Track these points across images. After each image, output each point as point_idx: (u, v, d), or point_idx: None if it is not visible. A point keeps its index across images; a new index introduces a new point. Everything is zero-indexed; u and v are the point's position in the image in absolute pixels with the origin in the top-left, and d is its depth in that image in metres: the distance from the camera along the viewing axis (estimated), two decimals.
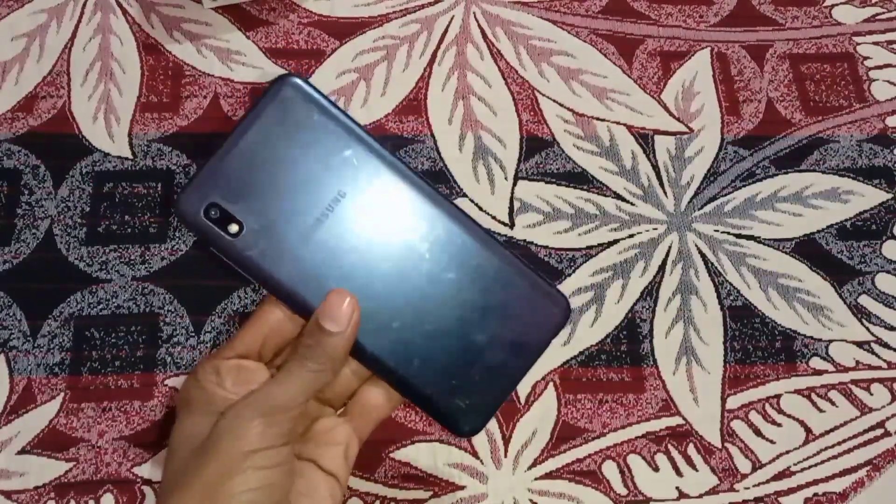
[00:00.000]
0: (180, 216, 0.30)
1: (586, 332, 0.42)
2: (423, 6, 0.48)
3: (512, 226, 0.43)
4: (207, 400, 0.30)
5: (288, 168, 0.30)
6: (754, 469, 0.40)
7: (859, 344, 0.42)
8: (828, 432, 0.40)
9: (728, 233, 0.44)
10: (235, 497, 0.27)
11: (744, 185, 0.45)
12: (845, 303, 0.43)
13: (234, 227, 0.30)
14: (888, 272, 0.44)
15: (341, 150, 0.31)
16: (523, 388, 0.40)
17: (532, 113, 0.46)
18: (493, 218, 0.44)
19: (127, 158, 0.44)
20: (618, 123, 0.46)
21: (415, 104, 0.46)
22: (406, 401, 0.33)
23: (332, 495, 0.30)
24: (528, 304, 0.32)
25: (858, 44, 0.49)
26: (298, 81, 0.31)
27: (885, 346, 0.42)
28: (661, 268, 0.43)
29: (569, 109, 0.46)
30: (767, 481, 0.39)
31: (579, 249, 0.43)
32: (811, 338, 0.42)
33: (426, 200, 0.31)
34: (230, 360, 0.31)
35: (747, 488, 0.39)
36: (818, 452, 0.40)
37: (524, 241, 0.43)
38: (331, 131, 0.31)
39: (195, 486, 0.27)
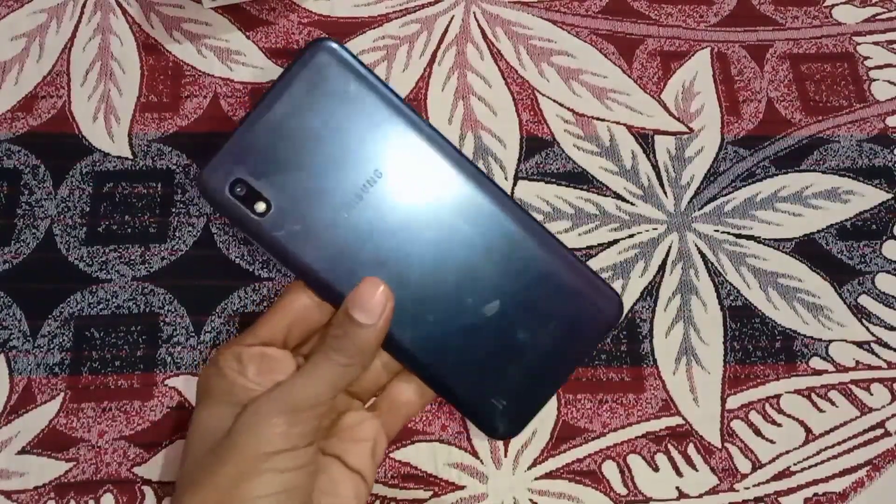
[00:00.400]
0: (203, 192, 0.28)
1: None
2: (422, 6, 0.48)
3: None
4: (228, 389, 0.28)
5: (321, 142, 0.28)
6: (754, 469, 0.40)
7: (859, 344, 0.42)
8: (828, 432, 0.40)
9: (728, 233, 0.44)
10: (251, 502, 0.25)
11: (744, 185, 0.45)
12: (845, 303, 0.43)
13: (261, 206, 0.28)
14: (888, 272, 0.44)
15: (379, 125, 0.28)
16: None
17: (532, 113, 0.46)
18: None
19: (127, 158, 0.44)
20: (618, 123, 0.46)
21: (415, 104, 0.46)
22: (438, 398, 0.30)
23: (356, 495, 0.29)
24: (578, 302, 0.30)
25: (859, 44, 0.49)
26: (334, 46, 0.28)
27: (885, 346, 0.42)
28: (661, 268, 0.43)
29: (569, 109, 0.46)
30: (767, 481, 0.39)
31: (579, 249, 0.43)
32: (811, 338, 0.42)
33: (471, 183, 0.29)
34: (253, 347, 0.29)
35: (747, 488, 0.39)
36: (818, 452, 0.40)
37: None
38: (368, 103, 0.28)
39: (212, 488, 0.26)
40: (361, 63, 0.28)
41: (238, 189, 0.28)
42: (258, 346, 0.29)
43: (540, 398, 0.30)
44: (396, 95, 0.29)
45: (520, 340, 0.29)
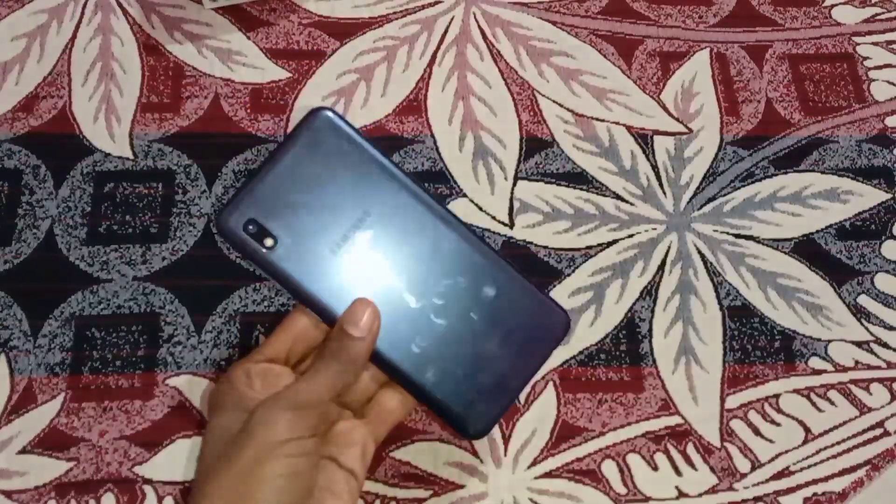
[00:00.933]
0: (221, 231, 0.34)
1: (586, 332, 0.42)
2: (423, 7, 0.48)
3: (512, 226, 0.44)
4: (238, 399, 0.32)
5: (319, 190, 0.34)
6: (753, 468, 0.40)
7: (858, 344, 0.42)
8: (827, 432, 0.40)
9: (727, 233, 0.44)
10: (268, 481, 0.30)
11: (743, 186, 0.45)
12: (844, 303, 0.43)
13: (269, 241, 0.33)
14: (887, 272, 0.44)
15: (367, 176, 0.34)
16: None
17: (532, 113, 0.46)
18: (493, 218, 0.44)
19: (128, 158, 0.44)
20: (617, 124, 0.46)
21: (415, 105, 0.46)
22: (418, 405, 0.35)
23: (349, 490, 0.33)
24: (533, 319, 0.35)
25: (858, 44, 0.49)
26: (330, 114, 0.34)
27: (885, 345, 0.42)
28: (661, 268, 0.43)
29: (568, 110, 0.46)
30: (767, 481, 0.39)
31: (579, 249, 0.43)
32: (810, 338, 0.42)
33: (442, 222, 0.35)
34: (260, 364, 0.34)
35: (746, 488, 0.39)
36: (817, 452, 0.40)
37: (524, 241, 0.43)
38: (358, 159, 0.34)
39: (231, 471, 0.30)
40: (353, 127, 0.35)
41: (251, 227, 0.33)
42: (264, 362, 0.34)
43: (506, 402, 0.35)
44: (382, 153, 0.35)
45: (487, 354, 0.34)
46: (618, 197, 0.45)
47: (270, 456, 0.30)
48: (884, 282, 0.43)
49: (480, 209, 0.44)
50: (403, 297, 0.34)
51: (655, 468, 0.39)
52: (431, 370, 0.34)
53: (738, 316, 0.42)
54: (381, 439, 0.35)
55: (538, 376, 0.41)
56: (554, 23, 0.49)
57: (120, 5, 0.47)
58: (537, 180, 0.45)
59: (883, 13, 0.50)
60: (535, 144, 0.45)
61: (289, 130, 0.36)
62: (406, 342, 0.34)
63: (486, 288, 0.35)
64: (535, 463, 0.39)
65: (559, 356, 0.41)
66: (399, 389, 0.35)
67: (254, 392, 0.32)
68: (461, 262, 0.35)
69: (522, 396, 0.40)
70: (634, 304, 0.42)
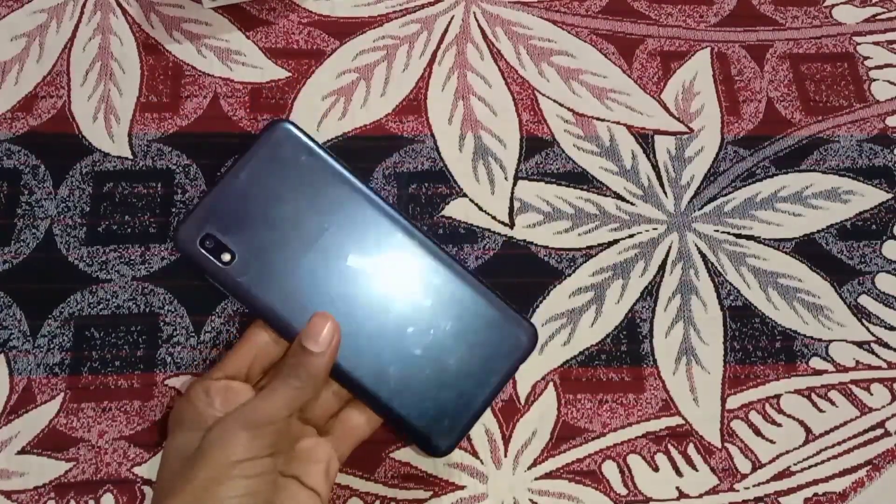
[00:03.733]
0: (178, 245, 0.33)
1: (586, 332, 0.42)
2: (422, 6, 0.48)
3: (512, 226, 0.43)
4: (197, 418, 0.32)
5: (278, 203, 0.33)
6: (754, 469, 0.40)
7: (859, 344, 0.42)
8: (828, 432, 0.40)
9: (728, 233, 0.44)
10: (224, 502, 0.29)
11: (744, 185, 0.45)
12: (845, 303, 0.43)
13: (226, 256, 0.33)
14: (888, 272, 0.44)
15: (326, 188, 0.34)
16: (523, 389, 0.40)
17: (532, 113, 0.46)
18: (493, 218, 0.44)
19: (127, 158, 0.44)
20: (618, 123, 0.46)
21: (415, 104, 0.46)
22: (384, 423, 0.34)
23: None
24: (498, 332, 0.34)
25: (859, 44, 0.49)
26: (289, 127, 0.34)
27: (885, 346, 0.42)
28: (661, 268, 0.43)
29: (569, 109, 0.46)
30: (767, 481, 0.39)
31: (579, 249, 0.43)
32: (811, 338, 0.42)
33: (403, 233, 0.34)
34: (219, 381, 0.33)
35: (747, 488, 0.39)
36: (818, 452, 0.40)
37: (524, 241, 0.43)
38: (317, 171, 0.34)
39: (187, 491, 0.29)
40: (312, 139, 0.34)
41: (207, 242, 0.33)
42: (224, 379, 0.33)
43: (471, 418, 0.34)
44: (342, 164, 0.34)
45: (450, 368, 0.34)
46: (618, 197, 0.44)
47: (225, 476, 0.29)
48: (885, 282, 0.43)
49: (480, 209, 0.44)
50: (364, 311, 0.33)
51: (656, 469, 0.39)
52: (393, 386, 0.33)
53: (739, 316, 0.42)
54: (346, 457, 0.34)
55: (538, 372, 0.40)
56: (554, 22, 0.49)
57: (119, 5, 0.47)
58: (538, 180, 0.45)
59: (883, 13, 0.50)
60: (535, 144, 0.45)
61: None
62: (367, 357, 0.33)
63: (450, 301, 0.34)
64: (535, 464, 0.39)
65: (559, 357, 0.41)
66: (363, 407, 0.34)
67: (213, 410, 0.32)
68: (423, 275, 0.34)
69: (522, 396, 0.40)
70: (635, 304, 0.42)
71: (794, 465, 0.40)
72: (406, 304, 0.34)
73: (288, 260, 0.33)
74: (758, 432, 0.40)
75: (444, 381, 0.34)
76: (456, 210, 0.43)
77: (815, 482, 0.39)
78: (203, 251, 0.33)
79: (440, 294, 0.34)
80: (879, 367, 0.42)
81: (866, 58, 0.49)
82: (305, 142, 0.34)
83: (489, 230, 0.43)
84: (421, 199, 0.44)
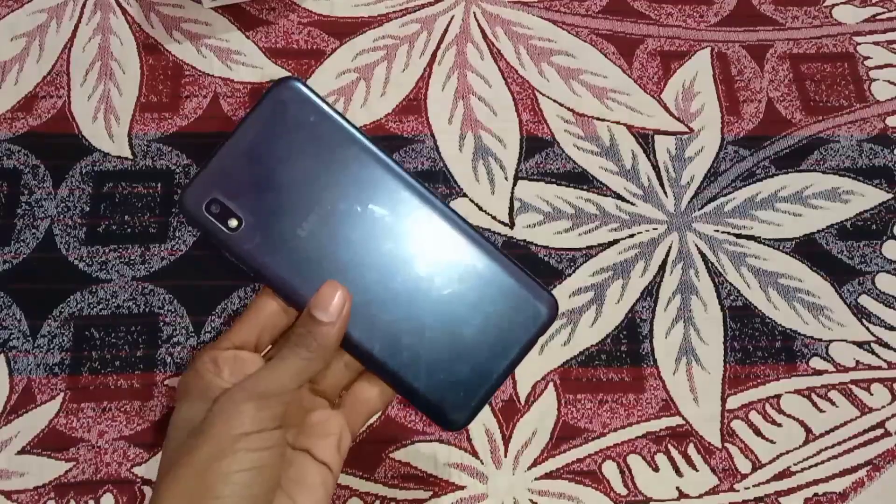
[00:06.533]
0: (183, 211, 0.31)
1: (586, 333, 0.42)
2: (422, 6, 0.48)
3: (512, 226, 0.43)
4: (204, 388, 0.30)
5: (285, 166, 0.32)
6: (754, 469, 0.40)
7: (859, 344, 0.42)
8: (828, 432, 0.40)
9: (728, 233, 0.44)
10: (228, 476, 0.28)
11: (744, 185, 0.45)
12: (845, 303, 0.43)
13: (233, 222, 0.31)
14: (888, 272, 0.44)
15: (336, 150, 0.32)
16: (523, 389, 0.40)
17: (532, 113, 0.46)
18: (493, 218, 0.44)
19: (127, 158, 0.43)
20: (618, 123, 0.46)
21: (415, 104, 0.46)
22: (399, 398, 0.33)
23: (323, 483, 0.31)
24: (516, 303, 0.32)
25: (859, 44, 0.49)
26: (297, 84, 0.32)
27: (885, 346, 0.42)
28: (662, 268, 0.43)
29: (569, 109, 0.46)
30: (767, 481, 0.39)
31: (579, 249, 0.43)
32: (811, 338, 0.42)
33: (418, 199, 0.32)
34: (227, 351, 0.31)
35: (747, 488, 0.39)
36: (818, 452, 0.40)
37: (524, 241, 0.43)
38: (327, 132, 0.32)
39: (190, 466, 0.28)
40: (321, 98, 0.32)
41: (213, 208, 0.31)
42: (232, 349, 0.32)
43: (488, 391, 0.32)
44: (352, 125, 0.32)
45: (466, 339, 0.32)
46: (618, 197, 0.44)
47: (230, 450, 0.28)
48: (885, 282, 0.43)
49: (480, 209, 0.44)
50: (376, 279, 0.32)
51: (656, 469, 0.39)
52: (405, 357, 0.32)
53: (739, 316, 0.42)
54: (359, 431, 0.33)
55: (538, 372, 0.40)
56: (554, 22, 0.49)
57: (119, 5, 0.47)
58: (538, 180, 0.44)
59: (883, 13, 0.50)
60: (535, 144, 0.45)
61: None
62: (379, 327, 0.32)
63: (466, 270, 0.32)
64: (535, 464, 0.39)
65: (560, 357, 0.41)
66: (376, 379, 0.33)
67: (221, 380, 0.30)
68: (439, 242, 0.32)
69: (522, 396, 0.40)
70: (635, 304, 0.42)
71: (795, 465, 0.40)
72: (420, 272, 0.32)
73: (296, 225, 0.32)
74: (758, 432, 0.40)
75: (459, 353, 0.32)
76: (456, 210, 0.43)
77: (816, 482, 0.39)
78: (209, 217, 0.31)
79: (456, 262, 0.32)
80: (879, 367, 0.42)
81: (866, 58, 0.49)
82: (315, 100, 0.32)
83: (489, 230, 0.43)
84: None
